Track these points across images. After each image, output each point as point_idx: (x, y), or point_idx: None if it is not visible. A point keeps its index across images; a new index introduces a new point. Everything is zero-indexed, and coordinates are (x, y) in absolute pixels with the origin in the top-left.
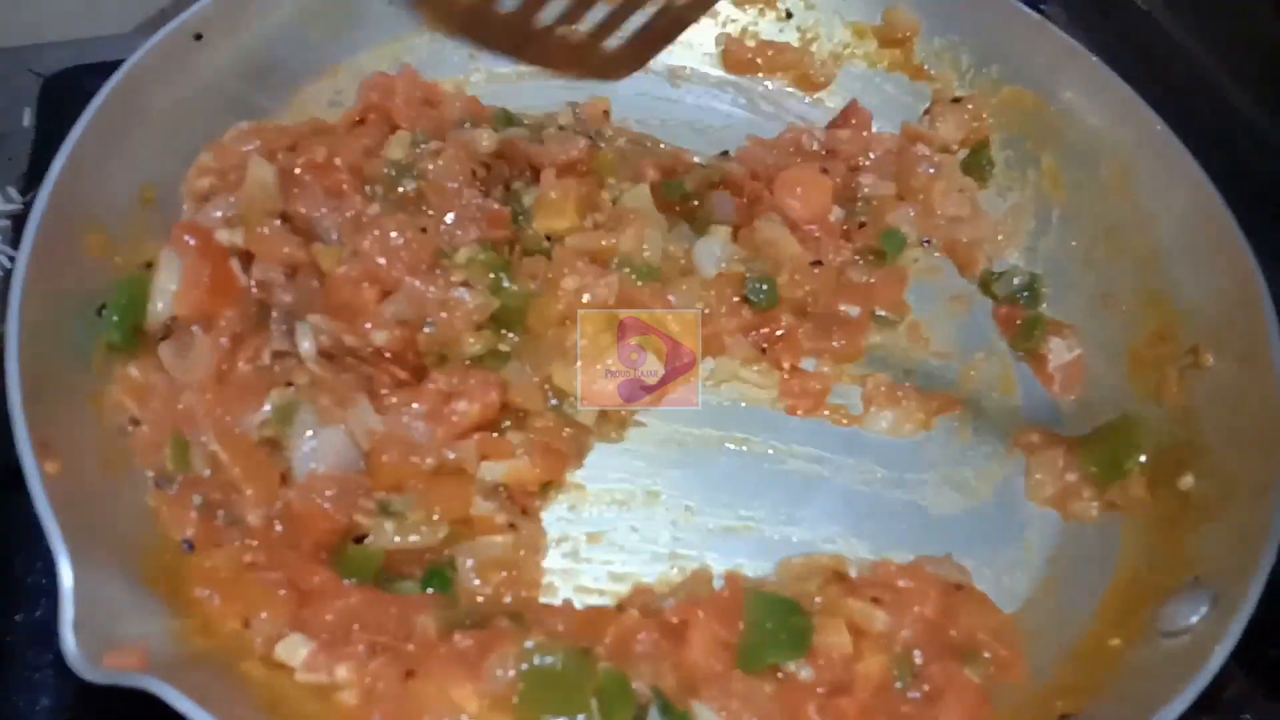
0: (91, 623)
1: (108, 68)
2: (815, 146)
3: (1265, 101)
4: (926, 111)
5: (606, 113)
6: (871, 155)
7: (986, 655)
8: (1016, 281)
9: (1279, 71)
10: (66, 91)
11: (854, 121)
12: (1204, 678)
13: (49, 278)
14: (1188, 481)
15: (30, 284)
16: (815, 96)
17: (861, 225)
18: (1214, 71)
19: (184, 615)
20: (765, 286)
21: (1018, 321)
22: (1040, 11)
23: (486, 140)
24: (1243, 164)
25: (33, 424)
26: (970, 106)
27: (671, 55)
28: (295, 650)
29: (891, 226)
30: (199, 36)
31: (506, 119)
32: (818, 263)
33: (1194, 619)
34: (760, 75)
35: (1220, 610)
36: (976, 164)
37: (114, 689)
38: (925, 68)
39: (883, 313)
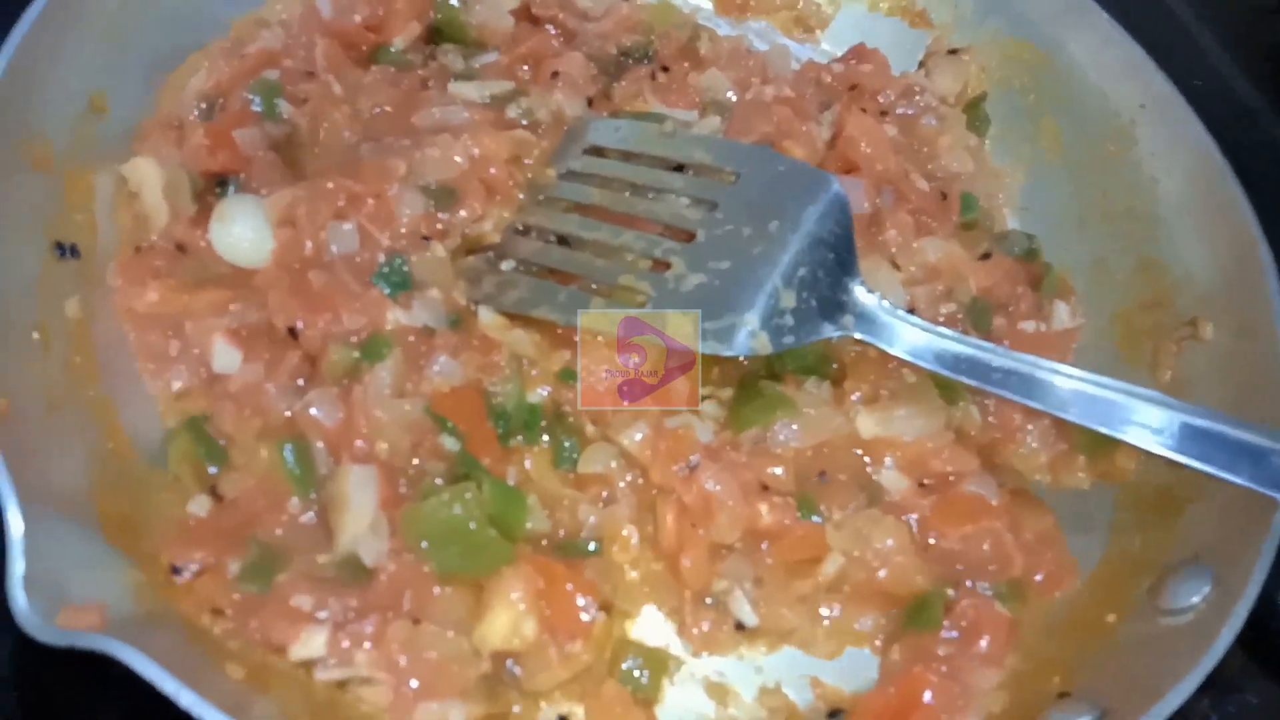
0: (44, 577)
1: None
2: (830, 81)
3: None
4: (922, 63)
5: None
6: (890, 94)
7: (1039, 577)
8: (1016, 249)
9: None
10: None
11: (865, 61)
12: (1210, 661)
13: None
14: None
15: None
16: (810, 41)
17: (944, 196)
18: (1213, 50)
19: (145, 568)
20: (980, 310)
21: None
22: None
23: None
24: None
25: None
26: (967, 59)
27: None
28: (312, 642)
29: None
30: None
31: None
32: (986, 255)
33: (1195, 599)
34: (750, 17)
35: (1222, 591)
36: (972, 119)
37: (67, 651)
38: (927, 13)
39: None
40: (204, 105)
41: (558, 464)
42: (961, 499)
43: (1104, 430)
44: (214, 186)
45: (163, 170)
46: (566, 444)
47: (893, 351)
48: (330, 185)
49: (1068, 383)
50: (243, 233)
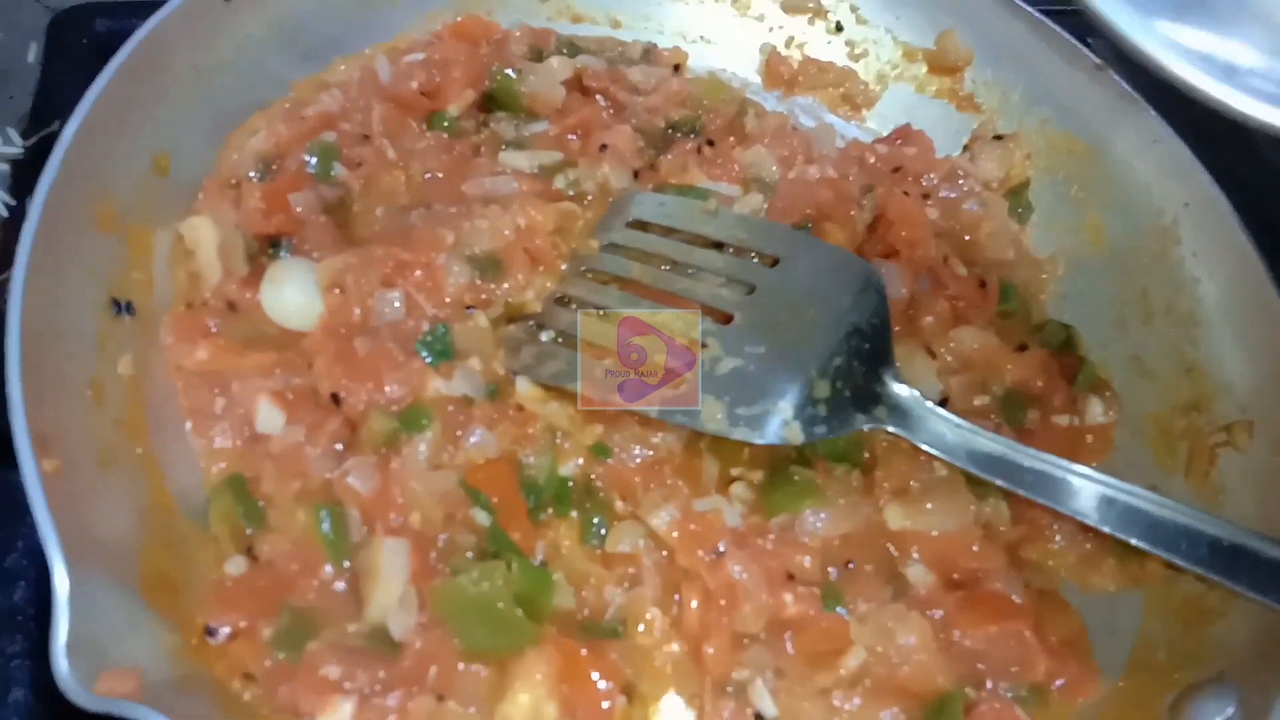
0: (86, 641)
1: (119, 8)
2: (874, 161)
3: None
4: (967, 147)
5: (679, 67)
6: (933, 177)
7: (1061, 682)
8: (1053, 341)
9: None
10: (76, 29)
11: (910, 143)
12: None
13: (56, 255)
14: None
15: (36, 263)
16: (856, 119)
17: (983, 284)
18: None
19: (181, 631)
20: (1014, 403)
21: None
22: (1087, 45)
23: (560, 68)
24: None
25: (33, 417)
26: (1012, 145)
27: (714, 57)
28: (340, 712)
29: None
30: None
31: (572, 46)
32: (1023, 346)
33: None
34: (798, 93)
35: (1246, 713)
36: (1014, 207)
37: None
38: (974, 97)
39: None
40: (261, 166)
41: (585, 539)
42: (987, 597)
43: (1133, 541)
44: (267, 248)
45: (218, 230)
46: (595, 520)
47: (925, 446)
48: (380, 253)
49: (1099, 489)
50: (293, 296)
